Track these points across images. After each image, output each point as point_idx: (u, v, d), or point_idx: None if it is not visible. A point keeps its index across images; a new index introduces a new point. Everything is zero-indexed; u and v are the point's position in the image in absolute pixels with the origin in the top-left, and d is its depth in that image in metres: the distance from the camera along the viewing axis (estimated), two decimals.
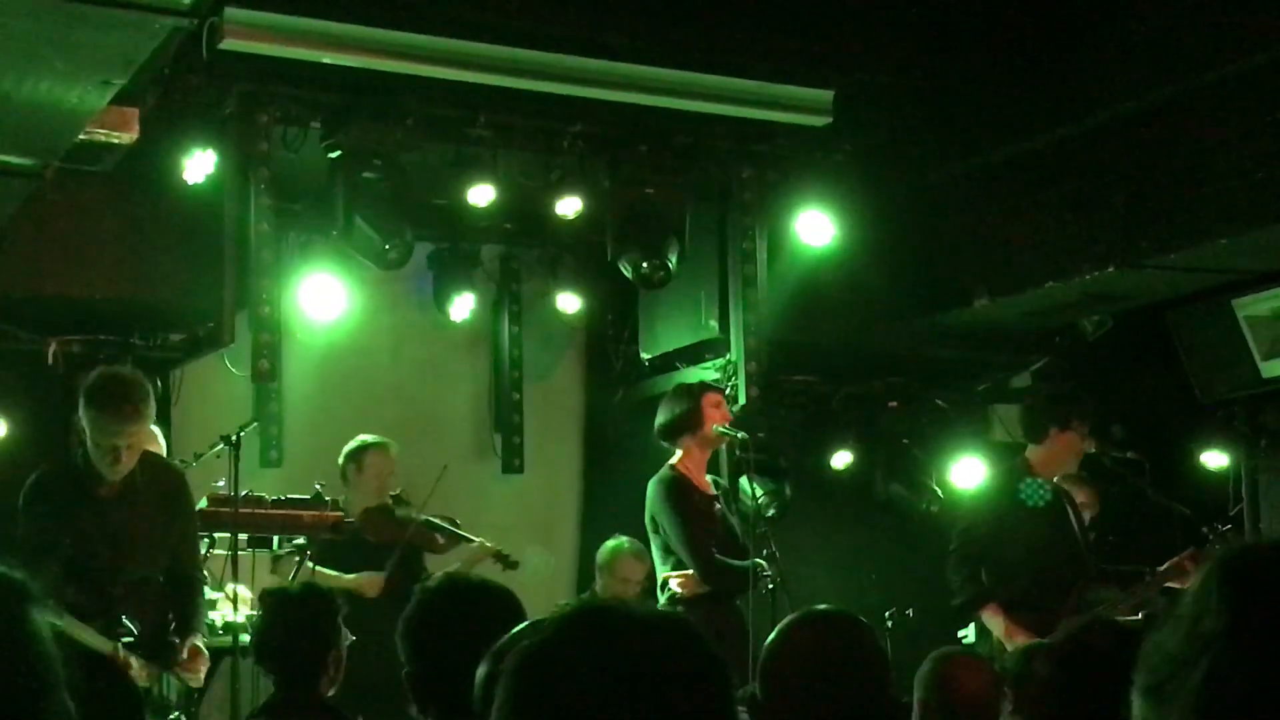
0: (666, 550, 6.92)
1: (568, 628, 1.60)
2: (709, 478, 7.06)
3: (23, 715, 1.37)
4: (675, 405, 6.96)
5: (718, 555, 6.77)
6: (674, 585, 6.84)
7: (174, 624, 5.65)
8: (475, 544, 7.51)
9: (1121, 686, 3.10)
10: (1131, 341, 8.92)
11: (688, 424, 6.88)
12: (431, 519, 7.45)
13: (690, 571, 6.79)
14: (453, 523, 7.57)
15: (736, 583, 6.76)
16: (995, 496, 6.97)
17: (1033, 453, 6.84)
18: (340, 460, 7.49)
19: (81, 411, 5.36)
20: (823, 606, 3.09)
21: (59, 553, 5.35)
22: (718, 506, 6.88)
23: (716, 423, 6.84)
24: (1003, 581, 6.63)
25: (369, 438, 7.54)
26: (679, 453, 6.93)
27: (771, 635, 2.93)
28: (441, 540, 7.46)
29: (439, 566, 7.09)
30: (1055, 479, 6.83)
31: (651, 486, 6.92)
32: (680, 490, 6.80)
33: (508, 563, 7.46)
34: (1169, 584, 6.51)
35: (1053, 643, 3.30)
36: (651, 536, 7.00)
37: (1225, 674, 1.30)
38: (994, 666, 5.62)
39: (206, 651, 5.76)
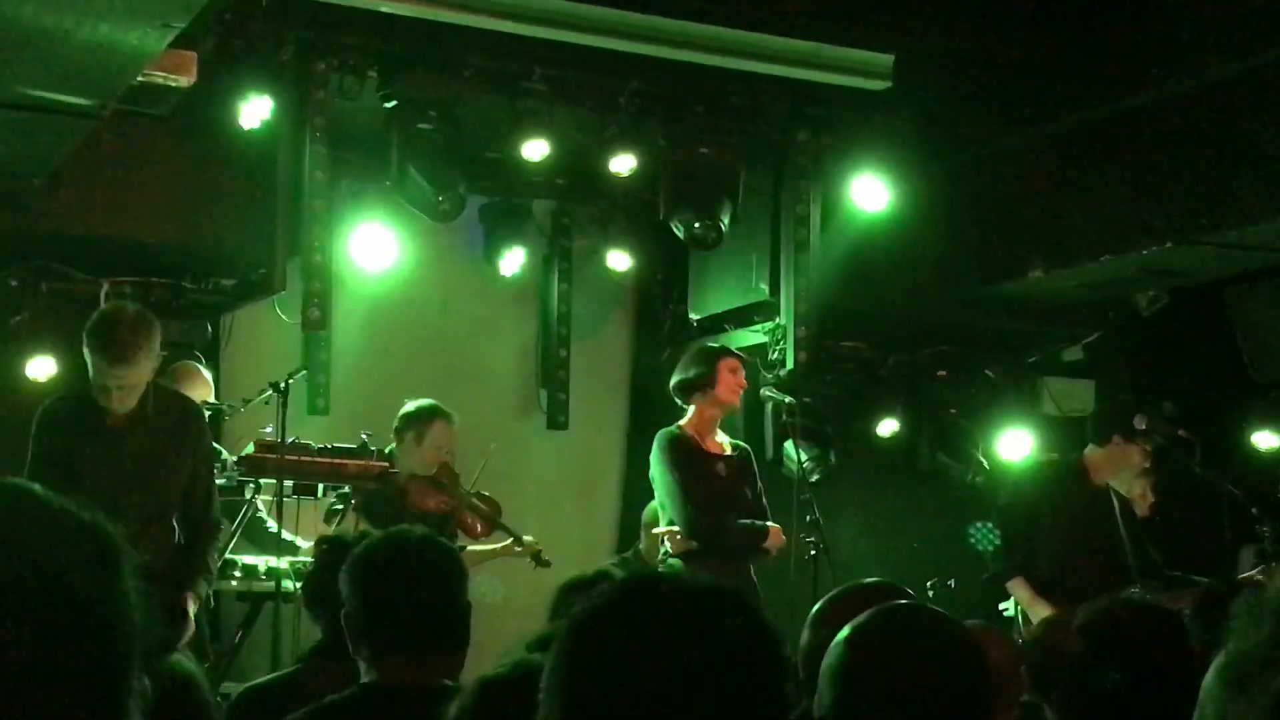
0: (662, 507, 6.80)
1: (621, 595, 1.59)
2: (726, 439, 6.89)
3: (97, 695, 1.29)
4: (692, 366, 6.82)
5: (708, 512, 6.61)
6: (666, 542, 6.72)
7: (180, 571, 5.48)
8: (510, 540, 7.31)
9: (1149, 666, 3.06)
10: (1187, 318, 8.83)
11: (701, 384, 6.74)
12: (476, 501, 7.30)
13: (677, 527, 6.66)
14: (497, 509, 7.39)
15: (727, 540, 6.62)
16: (1039, 483, 6.97)
17: (1092, 453, 6.84)
18: (399, 421, 7.18)
19: (83, 346, 5.36)
20: (905, 602, 2.81)
21: (66, 483, 5.13)
22: (721, 466, 6.73)
23: (731, 388, 6.73)
24: (1033, 563, 6.67)
25: (434, 405, 7.18)
26: (690, 411, 6.80)
27: (845, 633, 2.44)
28: (480, 528, 7.26)
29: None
30: (1107, 483, 6.83)
31: (653, 445, 6.85)
32: (676, 446, 6.70)
33: (540, 561, 7.28)
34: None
35: (1081, 619, 3.21)
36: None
37: None
38: (1018, 639, 5.68)
39: (191, 615, 5.51)
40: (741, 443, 7.02)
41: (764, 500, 6.81)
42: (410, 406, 7.23)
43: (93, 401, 5.42)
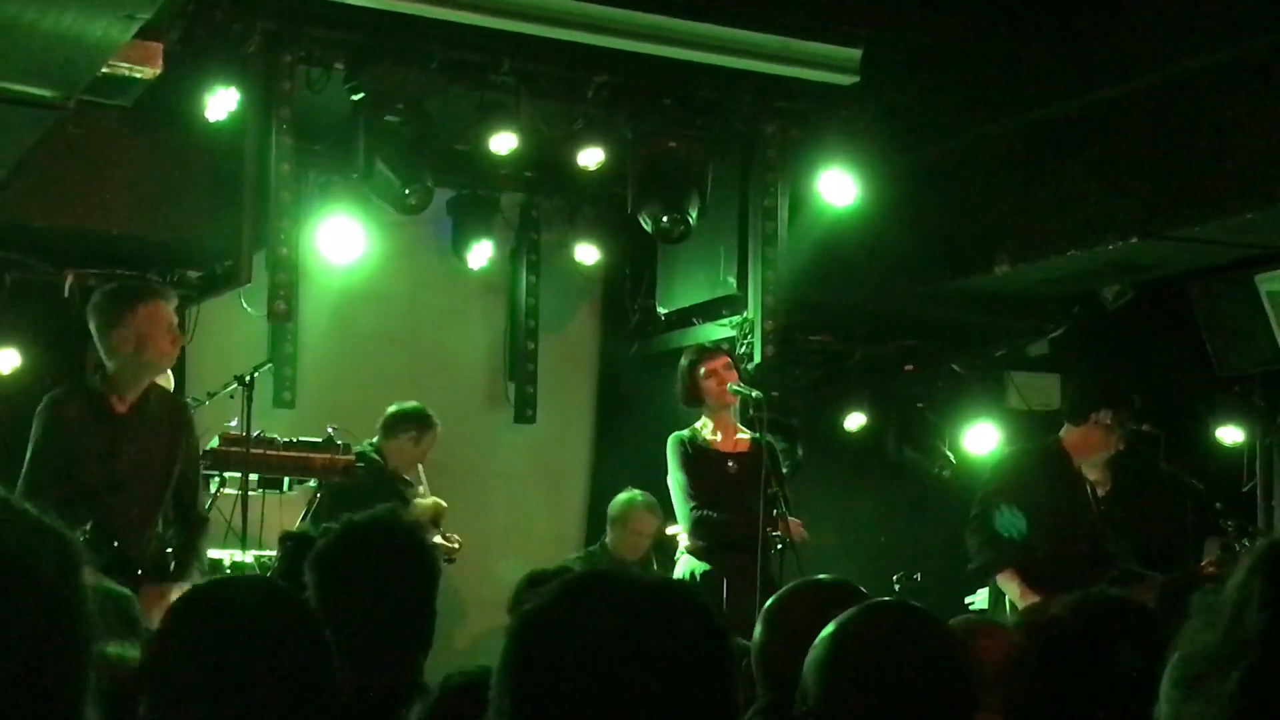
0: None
1: (569, 592, 1.60)
2: (747, 435, 6.98)
3: (56, 696, 1.29)
4: (678, 380, 7.02)
5: (708, 510, 6.77)
6: (680, 540, 6.97)
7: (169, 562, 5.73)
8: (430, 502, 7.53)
9: (1096, 663, 3.05)
10: (1152, 312, 8.86)
11: (690, 398, 6.98)
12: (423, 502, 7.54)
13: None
14: (440, 512, 7.60)
15: (724, 536, 6.75)
16: (1024, 469, 6.93)
17: (1069, 433, 6.83)
18: (393, 418, 7.51)
19: (127, 317, 5.55)
20: (888, 599, 2.81)
21: (70, 469, 5.55)
22: (732, 464, 6.85)
23: (713, 390, 6.87)
24: (1019, 552, 6.61)
25: (429, 414, 7.57)
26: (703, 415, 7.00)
27: (830, 628, 2.46)
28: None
29: None
30: (1083, 464, 6.83)
31: None
32: (680, 449, 6.88)
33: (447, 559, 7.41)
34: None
35: (1031, 617, 3.22)
36: None
37: (1265, 682, 1.24)
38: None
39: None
40: (760, 436, 7.01)
41: (784, 493, 6.81)
42: (409, 405, 7.55)
43: (97, 393, 5.68)
